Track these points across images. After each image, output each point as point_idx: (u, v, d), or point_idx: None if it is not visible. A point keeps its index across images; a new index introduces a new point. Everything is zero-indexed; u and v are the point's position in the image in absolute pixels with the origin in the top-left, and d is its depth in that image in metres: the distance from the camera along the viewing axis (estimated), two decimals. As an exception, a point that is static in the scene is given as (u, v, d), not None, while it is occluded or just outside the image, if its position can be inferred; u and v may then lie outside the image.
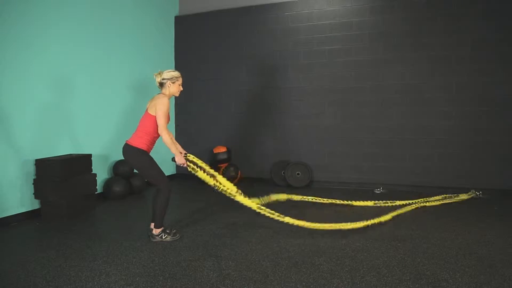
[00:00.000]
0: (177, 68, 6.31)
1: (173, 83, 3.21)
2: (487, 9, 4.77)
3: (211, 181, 3.40)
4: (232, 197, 3.43)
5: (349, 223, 3.46)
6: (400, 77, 5.16)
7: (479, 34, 4.81)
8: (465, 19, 4.86)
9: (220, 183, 3.42)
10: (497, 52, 4.74)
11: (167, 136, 3.12)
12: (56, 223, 3.79)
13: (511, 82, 4.71)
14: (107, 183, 4.81)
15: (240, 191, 3.50)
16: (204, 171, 3.34)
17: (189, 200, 4.82)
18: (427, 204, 4.34)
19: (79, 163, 4.15)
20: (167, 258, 2.84)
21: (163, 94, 3.20)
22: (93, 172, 4.36)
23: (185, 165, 3.26)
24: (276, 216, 3.45)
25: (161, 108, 3.07)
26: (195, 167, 3.31)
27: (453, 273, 2.51)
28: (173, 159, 3.27)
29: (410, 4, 5.08)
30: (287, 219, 3.42)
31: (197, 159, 3.37)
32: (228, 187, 3.44)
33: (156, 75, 3.21)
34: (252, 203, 3.47)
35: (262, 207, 3.48)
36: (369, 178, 5.36)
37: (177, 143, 3.40)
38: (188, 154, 3.34)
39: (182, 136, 6.24)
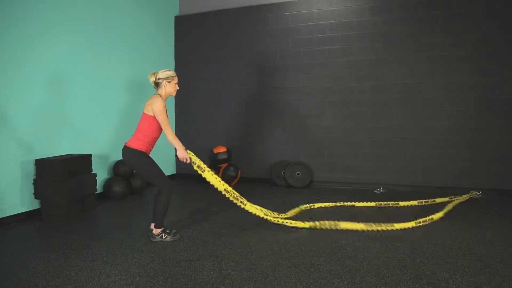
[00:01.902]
0: (177, 68, 6.31)
1: (169, 82, 3.20)
2: (487, 9, 4.77)
3: (220, 186, 3.42)
4: (239, 204, 3.48)
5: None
6: (400, 77, 5.16)
7: (479, 34, 4.81)
8: (465, 19, 4.86)
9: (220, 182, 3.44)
10: (497, 52, 4.74)
11: (169, 132, 3.10)
12: (56, 223, 3.79)
13: (511, 82, 4.72)
14: (107, 183, 4.81)
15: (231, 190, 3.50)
16: (199, 167, 3.33)
17: (189, 200, 4.82)
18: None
19: (79, 163, 4.15)
20: (167, 258, 2.84)
21: (157, 94, 3.19)
22: (93, 172, 4.36)
23: (188, 161, 3.22)
24: (281, 219, 3.58)
25: (156, 107, 3.06)
26: (201, 164, 3.30)
27: (453, 273, 2.51)
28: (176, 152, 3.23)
29: (410, 4, 5.08)
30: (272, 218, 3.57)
31: (195, 156, 3.35)
32: (217, 184, 3.43)
33: (150, 75, 3.20)
34: (256, 210, 3.53)
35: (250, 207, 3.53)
36: (369, 178, 5.36)
37: None
38: (187, 150, 3.32)
39: (182, 136, 6.22)
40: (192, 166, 3.31)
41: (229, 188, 3.48)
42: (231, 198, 3.46)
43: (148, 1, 5.80)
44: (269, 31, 5.79)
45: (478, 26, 4.81)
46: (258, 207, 3.57)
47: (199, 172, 3.34)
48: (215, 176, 3.43)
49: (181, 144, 3.18)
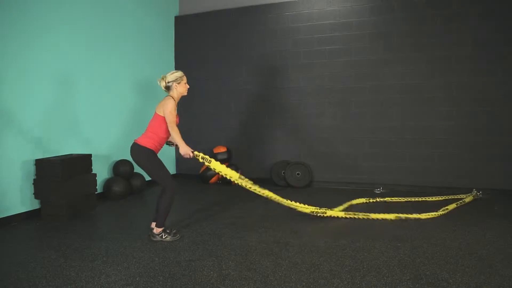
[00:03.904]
0: (177, 68, 6.31)
1: (179, 83, 3.24)
2: (487, 9, 4.77)
3: (233, 174, 3.39)
4: (257, 190, 3.49)
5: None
6: (400, 77, 5.16)
7: (479, 34, 4.81)
8: (465, 19, 4.86)
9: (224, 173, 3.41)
10: (497, 52, 4.74)
11: (174, 130, 3.09)
12: (56, 223, 3.79)
13: (511, 82, 4.71)
14: (107, 183, 4.80)
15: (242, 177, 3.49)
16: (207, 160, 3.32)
17: (189, 200, 4.81)
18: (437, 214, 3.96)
19: (79, 163, 4.15)
20: (167, 258, 2.84)
21: (170, 96, 3.22)
22: (93, 172, 4.36)
23: (191, 155, 3.17)
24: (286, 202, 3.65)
25: (166, 108, 3.10)
26: (206, 157, 3.26)
27: (453, 273, 2.51)
28: (170, 143, 3.25)
29: (410, 4, 5.08)
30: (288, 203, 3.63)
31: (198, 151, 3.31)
32: (230, 173, 3.41)
33: (160, 80, 3.23)
34: (265, 191, 3.53)
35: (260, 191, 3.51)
36: (369, 178, 5.36)
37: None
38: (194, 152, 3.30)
39: (182, 136, 6.20)
40: (198, 160, 3.25)
41: (243, 177, 3.48)
42: (248, 186, 3.44)
43: (148, 1, 5.80)
44: (269, 31, 5.79)
45: (478, 26, 4.81)
46: (273, 194, 3.58)
47: (206, 164, 3.27)
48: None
49: (182, 141, 3.14)
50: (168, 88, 3.24)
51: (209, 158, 3.28)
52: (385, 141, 5.27)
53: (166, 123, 3.15)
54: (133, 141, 3.21)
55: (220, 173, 3.38)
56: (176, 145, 3.24)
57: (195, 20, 6.26)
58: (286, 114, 5.75)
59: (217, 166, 3.33)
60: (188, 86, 3.32)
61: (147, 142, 3.15)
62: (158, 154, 3.27)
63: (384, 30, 5.20)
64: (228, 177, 3.41)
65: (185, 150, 3.14)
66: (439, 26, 4.96)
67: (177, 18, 6.40)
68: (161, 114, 3.15)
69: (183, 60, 6.34)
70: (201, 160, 3.26)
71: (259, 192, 3.50)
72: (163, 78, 3.22)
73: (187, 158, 3.19)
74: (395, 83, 5.19)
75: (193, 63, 6.27)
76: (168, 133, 3.24)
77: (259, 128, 5.93)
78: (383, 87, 5.25)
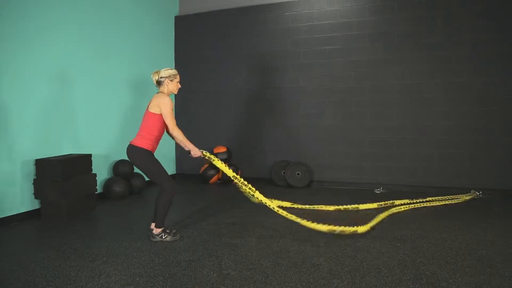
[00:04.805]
0: (176, 68, 6.30)
1: (171, 81, 3.23)
2: (487, 9, 4.77)
3: (229, 173, 3.40)
4: (250, 195, 3.47)
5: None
6: (400, 77, 5.17)
7: (479, 34, 4.81)
8: (465, 19, 4.86)
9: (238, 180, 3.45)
10: (497, 52, 4.74)
11: (179, 134, 3.16)
12: (56, 223, 3.79)
13: (511, 82, 4.72)
14: (107, 183, 4.80)
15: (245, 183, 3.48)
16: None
17: (189, 200, 4.82)
18: (428, 204, 4.32)
19: (79, 163, 4.14)
20: (167, 258, 2.84)
21: (162, 92, 3.21)
22: (93, 172, 4.36)
23: (201, 155, 3.30)
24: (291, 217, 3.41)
25: (165, 108, 3.09)
26: (212, 156, 3.34)
27: (453, 273, 2.51)
28: (189, 153, 3.28)
29: (410, 4, 5.08)
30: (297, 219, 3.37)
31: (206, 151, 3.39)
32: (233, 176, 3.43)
33: (153, 74, 3.23)
34: (268, 200, 3.44)
35: (273, 206, 3.43)
36: (369, 178, 5.36)
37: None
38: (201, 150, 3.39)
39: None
40: (205, 158, 3.36)
41: (238, 176, 3.48)
42: (248, 190, 3.43)
43: (148, 1, 5.80)
44: (269, 31, 5.79)
45: (478, 26, 4.81)
46: (265, 198, 3.48)
47: (212, 161, 3.35)
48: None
49: (191, 144, 3.23)
50: (159, 83, 3.24)
51: (213, 157, 3.37)
52: (385, 141, 5.28)
53: (161, 121, 3.14)
54: (129, 143, 3.20)
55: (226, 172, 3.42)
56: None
57: (195, 20, 6.26)
58: (286, 114, 5.75)
59: (219, 165, 3.38)
60: (180, 86, 3.33)
61: (142, 143, 3.13)
62: (156, 154, 3.26)
63: (384, 30, 5.21)
64: (231, 175, 3.43)
65: (196, 152, 3.26)
66: (439, 26, 4.97)
67: (177, 18, 6.40)
68: (156, 112, 3.12)
69: (183, 60, 6.34)
70: (207, 158, 3.35)
71: (252, 192, 3.43)
72: (157, 72, 3.23)
73: (198, 157, 3.31)
74: (395, 83, 5.19)
75: (193, 63, 6.27)
76: (163, 131, 3.23)
77: (259, 128, 5.94)
78: (383, 87, 5.25)
